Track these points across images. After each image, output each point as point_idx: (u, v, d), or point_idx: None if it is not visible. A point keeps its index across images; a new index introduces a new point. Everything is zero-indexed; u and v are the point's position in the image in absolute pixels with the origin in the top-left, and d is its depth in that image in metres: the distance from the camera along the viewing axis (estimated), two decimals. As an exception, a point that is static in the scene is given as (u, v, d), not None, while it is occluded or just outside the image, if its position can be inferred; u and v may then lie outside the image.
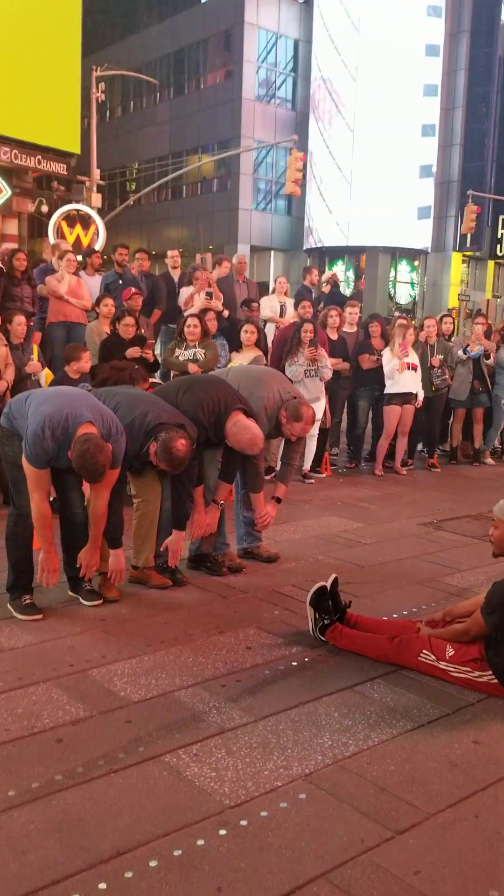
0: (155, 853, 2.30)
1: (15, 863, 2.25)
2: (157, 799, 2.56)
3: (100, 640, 3.79)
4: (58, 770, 2.70)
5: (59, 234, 15.25)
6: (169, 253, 9.61)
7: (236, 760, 2.79)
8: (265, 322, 9.06)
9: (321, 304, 9.87)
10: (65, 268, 8.03)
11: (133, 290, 7.74)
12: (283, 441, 5.18)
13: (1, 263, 7.97)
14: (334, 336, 8.09)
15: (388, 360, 7.95)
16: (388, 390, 8.05)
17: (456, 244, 31.64)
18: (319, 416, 7.15)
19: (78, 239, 15.16)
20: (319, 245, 31.50)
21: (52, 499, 4.11)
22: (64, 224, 15.44)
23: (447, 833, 2.44)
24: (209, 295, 8.26)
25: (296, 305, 8.50)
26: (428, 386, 8.32)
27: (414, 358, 8.08)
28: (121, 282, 8.60)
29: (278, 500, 5.05)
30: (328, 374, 7.45)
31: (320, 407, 7.32)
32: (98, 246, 15.32)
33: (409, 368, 7.95)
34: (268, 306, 9.21)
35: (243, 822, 2.45)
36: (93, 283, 8.73)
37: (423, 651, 3.44)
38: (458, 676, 3.36)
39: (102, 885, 2.17)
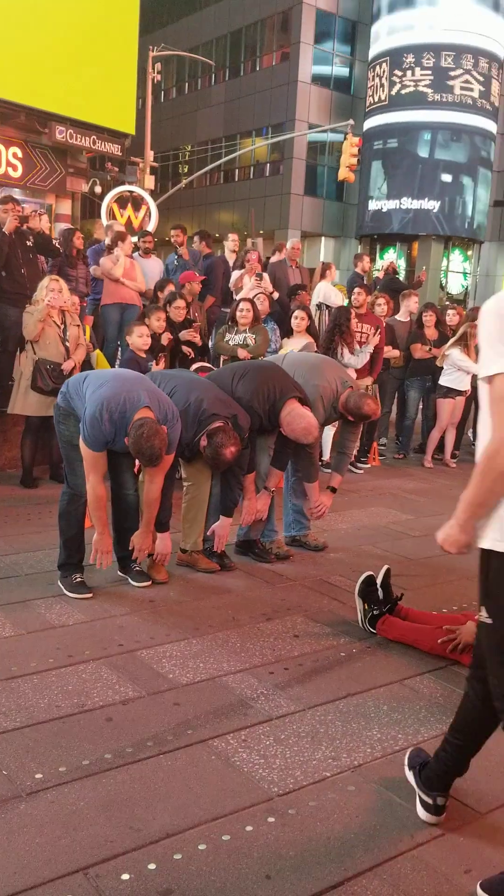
0: (204, 837, 2.31)
1: (66, 838, 2.28)
2: (205, 783, 2.57)
3: (149, 621, 3.82)
4: (107, 749, 2.73)
5: (111, 215, 15.30)
6: (230, 236, 9.61)
7: (284, 749, 2.79)
8: (327, 307, 9.02)
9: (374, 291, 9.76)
10: (121, 249, 8.03)
11: (192, 274, 7.76)
12: (340, 431, 5.15)
13: (58, 244, 8.00)
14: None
15: (460, 357, 7.75)
16: (444, 383, 7.90)
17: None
18: None
19: (129, 221, 15.20)
20: (371, 232, 31.12)
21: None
22: (115, 206, 15.47)
23: (498, 833, 2.41)
24: (259, 276, 8.20)
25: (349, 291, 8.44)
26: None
27: None
28: (176, 263, 8.58)
29: (333, 490, 5.01)
30: (365, 359, 7.38)
31: None
32: (150, 228, 15.34)
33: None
34: (331, 292, 9.18)
35: (291, 811, 2.45)
36: (146, 266, 8.73)
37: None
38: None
39: (152, 866, 2.18)
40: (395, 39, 28.84)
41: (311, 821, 2.41)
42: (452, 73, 28.33)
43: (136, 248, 8.83)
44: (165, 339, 6.49)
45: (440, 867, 2.24)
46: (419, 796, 2.45)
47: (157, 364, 5.66)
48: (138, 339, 5.78)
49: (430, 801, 2.41)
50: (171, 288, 7.34)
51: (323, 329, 8.21)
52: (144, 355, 5.87)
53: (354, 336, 7.22)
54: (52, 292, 5.93)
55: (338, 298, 9.07)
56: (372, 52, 29.98)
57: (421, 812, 2.43)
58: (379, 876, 2.20)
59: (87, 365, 6.43)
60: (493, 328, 1.94)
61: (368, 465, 7.83)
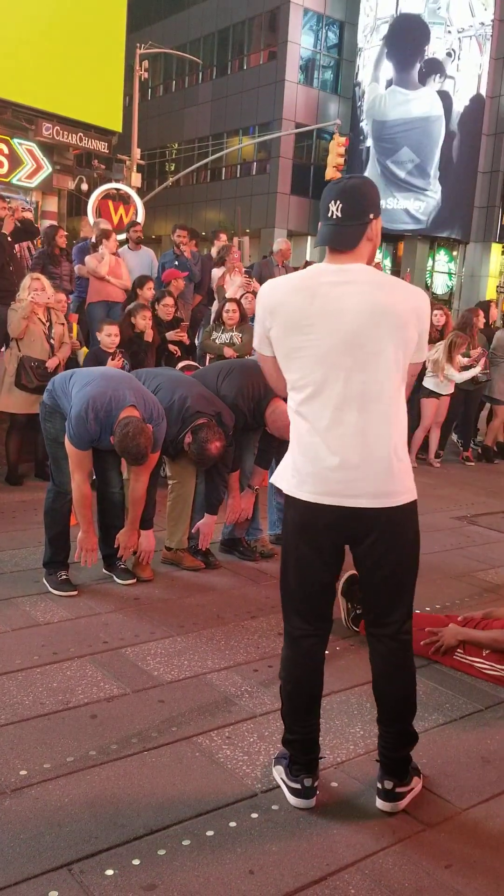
0: (188, 832, 2.33)
1: (50, 834, 2.28)
2: (189, 780, 2.58)
3: (133, 618, 3.83)
4: (92, 746, 2.74)
5: (103, 213, 15.27)
6: (221, 236, 9.62)
7: (268, 745, 2.81)
8: None
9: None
10: (106, 248, 8.01)
11: (176, 272, 7.76)
12: None
13: (41, 241, 7.98)
14: None
15: (451, 373, 7.76)
16: (427, 385, 7.94)
17: (496, 235, 31.15)
18: None
19: (121, 219, 15.21)
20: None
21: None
22: (110, 203, 15.47)
23: (479, 829, 2.44)
24: (248, 274, 8.22)
25: None
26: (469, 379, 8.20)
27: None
28: (177, 263, 8.56)
29: None
30: None
31: None
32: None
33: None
34: None
35: (275, 807, 2.47)
36: (136, 258, 8.70)
37: (458, 651, 3.43)
38: (492, 674, 3.34)
39: (136, 861, 2.20)
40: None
41: (294, 817, 2.43)
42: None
43: (125, 240, 8.82)
44: (149, 335, 6.49)
45: (421, 862, 2.27)
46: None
47: (112, 360, 5.86)
48: (106, 337, 5.91)
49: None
50: (150, 285, 7.32)
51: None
52: (120, 356, 5.97)
53: None
54: (34, 291, 5.93)
55: None
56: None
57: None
58: (361, 871, 2.22)
59: (73, 363, 6.44)
60: (257, 314, 2.35)
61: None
